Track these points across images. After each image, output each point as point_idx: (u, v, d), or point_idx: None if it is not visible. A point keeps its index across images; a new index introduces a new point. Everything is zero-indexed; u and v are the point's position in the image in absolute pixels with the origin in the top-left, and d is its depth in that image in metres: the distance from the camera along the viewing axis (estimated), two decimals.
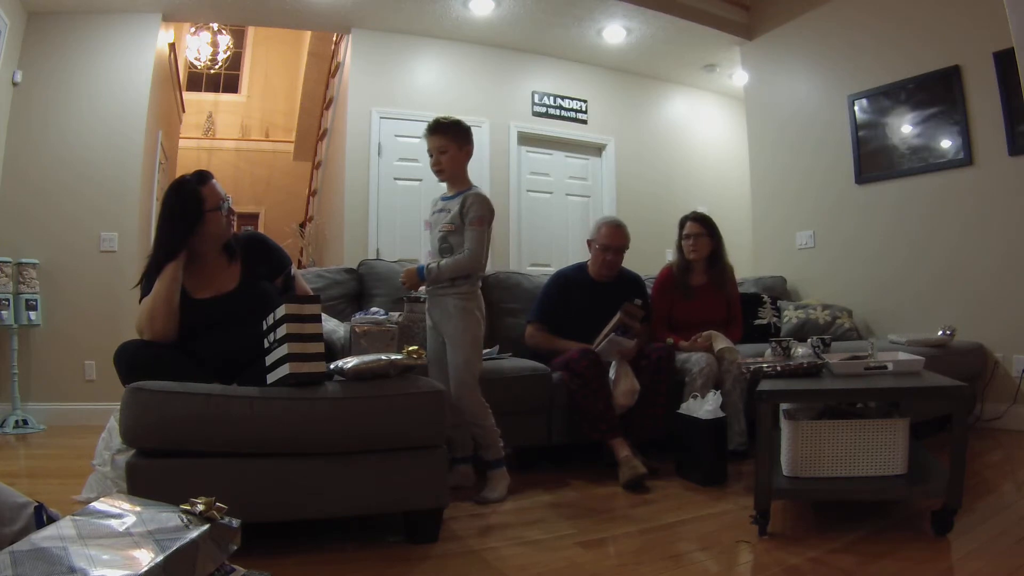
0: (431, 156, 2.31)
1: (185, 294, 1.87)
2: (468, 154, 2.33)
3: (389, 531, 1.84)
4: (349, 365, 1.73)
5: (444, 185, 2.39)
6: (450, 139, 2.27)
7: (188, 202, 1.86)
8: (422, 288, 2.42)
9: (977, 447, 2.85)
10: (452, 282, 2.26)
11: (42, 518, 1.18)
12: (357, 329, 2.09)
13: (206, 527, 0.99)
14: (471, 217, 2.23)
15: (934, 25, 3.67)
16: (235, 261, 1.98)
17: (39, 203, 3.88)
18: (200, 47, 7.82)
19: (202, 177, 1.92)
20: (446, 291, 2.28)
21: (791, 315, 3.78)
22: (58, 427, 3.61)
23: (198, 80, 8.58)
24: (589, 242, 2.95)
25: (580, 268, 3.00)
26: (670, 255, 3.30)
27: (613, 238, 2.88)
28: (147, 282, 1.87)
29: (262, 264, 2.03)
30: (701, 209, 3.47)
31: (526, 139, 5.14)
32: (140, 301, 1.88)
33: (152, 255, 1.89)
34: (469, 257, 2.22)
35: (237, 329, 1.86)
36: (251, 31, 8.75)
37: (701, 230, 3.04)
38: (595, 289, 2.90)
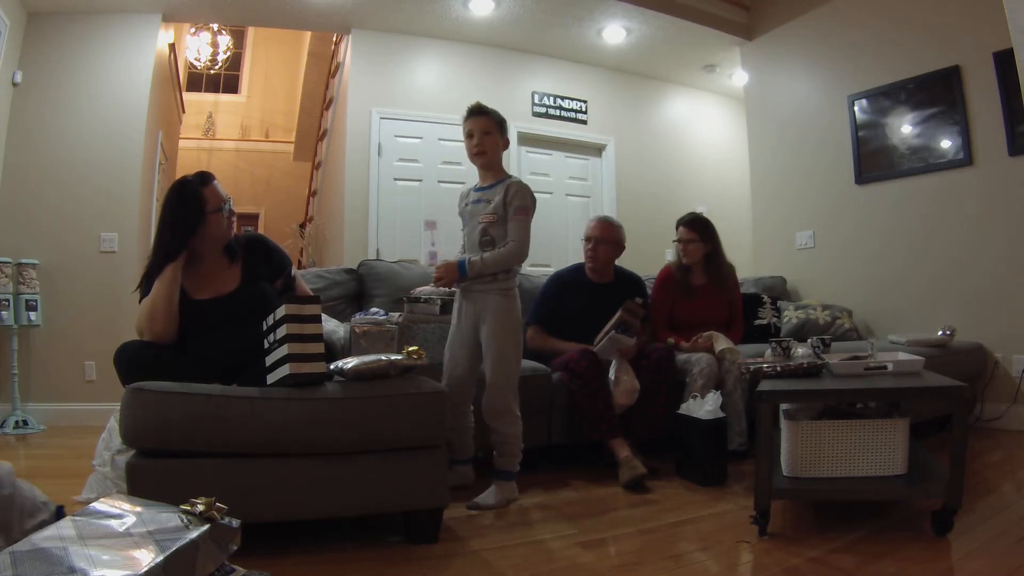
0: (471, 138, 2.23)
1: (185, 295, 1.87)
2: (506, 143, 2.28)
3: (389, 531, 1.84)
4: (349, 365, 1.73)
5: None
6: (494, 123, 2.24)
7: (190, 203, 1.86)
8: (424, 288, 2.40)
9: (977, 447, 2.85)
10: (494, 277, 2.18)
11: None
12: (357, 329, 2.09)
13: (206, 527, 0.99)
14: (516, 206, 2.16)
15: (934, 25, 3.67)
16: (236, 262, 1.98)
17: (39, 203, 3.88)
18: (200, 47, 7.82)
19: (204, 178, 1.91)
20: (487, 287, 2.18)
21: (791, 315, 3.78)
22: (58, 427, 3.61)
23: (198, 80, 8.58)
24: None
25: (577, 269, 3.00)
26: (670, 255, 3.30)
27: (594, 229, 2.90)
28: (147, 283, 1.87)
29: (263, 265, 2.03)
30: (700, 209, 3.47)
31: (526, 139, 5.14)
32: (140, 302, 1.89)
33: (152, 256, 1.89)
34: (514, 248, 2.15)
35: (237, 329, 1.86)
36: (251, 31, 8.75)
37: (692, 236, 3.02)
38: (593, 289, 2.90)
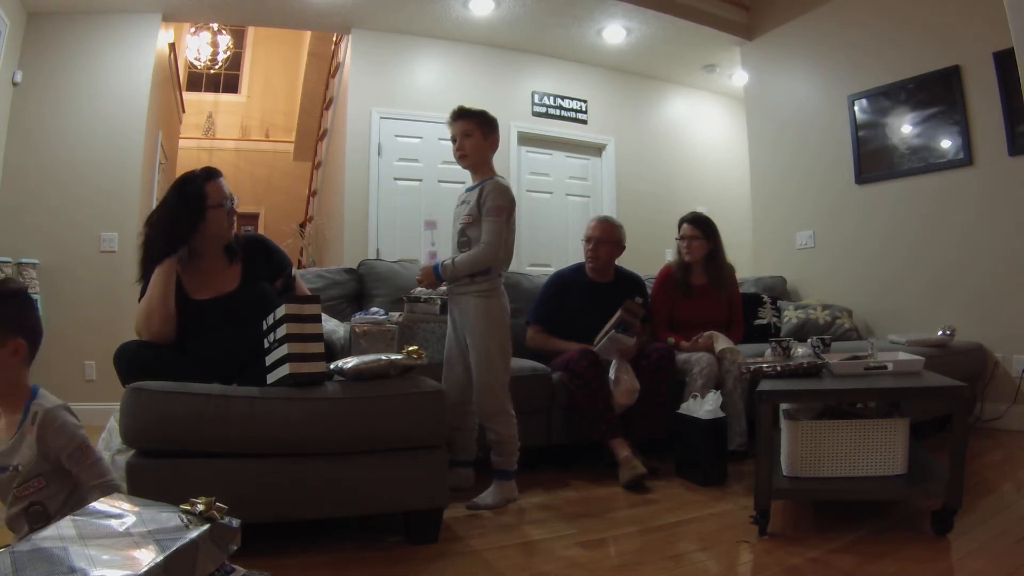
0: (454, 143, 2.25)
1: (185, 295, 1.87)
2: (493, 144, 2.26)
3: (389, 531, 1.84)
4: (349, 365, 1.73)
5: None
6: (475, 124, 2.22)
7: (192, 197, 1.86)
8: (423, 287, 2.40)
9: (977, 447, 2.85)
10: (472, 279, 2.17)
11: None
12: (357, 329, 2.09)
13: (206, 527, 0.99)
14: (488, 207, 2.15)
15: (934, 25, 3.67)
16: (236, 262, 1.98)
17: (39, 203, 3.88)
18: (200, 47, 7.83)
19: (209, 174, 1.92)
20: (466, 289, 2.19)
21: (791, 315, 3.78)
22: None
23: (198, 80, 8.59)
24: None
25: (578, 269, 3.00)
26: (670, 255, 3.30)
27: (594, 229, 2.91)
28: (146, 281, 1.87)
29: (263, 265, 2.03)
30: (701, 209, 3.47)
31: (526, 139, 5.15)
32: (139, 300, 1.88)
33: (146, 247, 1.87)
34: (484, 250, 2.13)
35: (237, 330, 1.86)
36: (251, 31, 8.75)
37: (695, 233, 3.03)
38: (593, 289, 2.90)
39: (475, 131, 2.22)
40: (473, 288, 2.19)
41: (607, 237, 2.89)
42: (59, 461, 1.31)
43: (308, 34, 7.24)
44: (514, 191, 5.31)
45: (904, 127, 3.83)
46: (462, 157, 2.25)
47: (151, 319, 1.81)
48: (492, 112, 2.30)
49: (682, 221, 3.10)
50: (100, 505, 1.04)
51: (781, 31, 4.61)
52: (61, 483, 1.32)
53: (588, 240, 2.92)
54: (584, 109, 5.34)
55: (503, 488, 2.16)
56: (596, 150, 5.48)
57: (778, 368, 2.00)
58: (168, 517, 1.00)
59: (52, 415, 1.31)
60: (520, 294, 3.14)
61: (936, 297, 3.63)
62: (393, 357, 1.80)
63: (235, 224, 1.97)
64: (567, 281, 2.95)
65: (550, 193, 5.27)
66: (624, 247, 2.96)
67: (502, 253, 2.18)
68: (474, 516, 2.03)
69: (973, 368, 3.32)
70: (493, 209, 2.15)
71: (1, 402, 1.33)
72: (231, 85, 9.09)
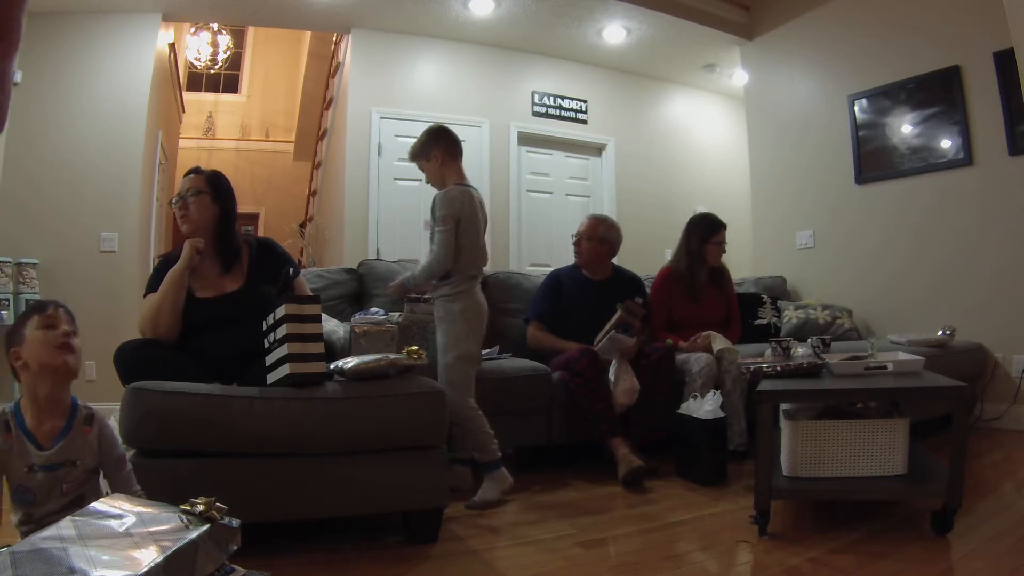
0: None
1: (189, 292, 1.88)
2: (438, 159, 2.34)
3: (389, 531, 1.84)
4: (349, 365, 1.74)
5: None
6: (418, 160, 2.38)
7: None
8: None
9: (977, 447, 2.85)
10: (435, 287, 2.32)
11: None
12: (357, 329, 2.09)
13: (206, 527, 1.00)
14: (437, 217, 2.28)
15: (934, 25, 3.67)
16: (236, 264, 1.97)
17: (39, 203, 3.88)
18: (200, 47, 7.82)
19: (189, 170, 2.00)
20: (435, 295, 2.34)
21: (791, 315, 3.78)
22: None
23: (198, 80, 8.58)
24: None
25: (574, 266, 3.03)
26: (670, 255, 3.29)
27: (580, 226, 2.99)
28: (156, 276, 1.89)
29: (270, 269, 2.01)
30: (701, 209, 3.47)
31: (526, 139, 5.14)
32: (144, 295, 1.89)
33: None
34: (431, 259, 2.26)
35: (238, 329, 1.86)
36: (251, 31, 8.75)
37: (726, 239, 3.07)
38: (590, 286, 2.92)
39: (421, 164, 2.38)
40: (438, 294, 2.33)
41: (589, 233, 2.94)
42: (104, 461, 1.35)
43: (308, 34, 7.24)
44: (514, 191, 5.28)
45: (904, 127, 3.83)
46: (431, 184, 2.40)
47: (159, 321, 1.81)
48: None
49: (717, 226, 3.06)
50: (100, 505, 1.04)
51: (781, 31, 4.61)
52: (95, 482, 1.35)
53: (578, 235, 2.99)
54: (584, 109, 5.34)
55: (495, 479, 2.17)
56: (596, 150, 5.48)
57: (778, 368, 2.00)
58: (168, 517, 1.00)
59: (104, 420, 1.36)
60: (520, 294, 3.14)
61: (936, 297, 3.63)
62: (393, 357, 1.80)
63: (189, 216, 1.94)
64: (563, 278, 2.98)
65: (550, 193, 5.27)
66: (612, 245, 2.95)
67: (451, 260, 2.25)
68: (474, 516, 2.03)
69: (973, 368, 3.32)
70: (440, 219, 2.27)
71: (55, 408, 1.34)
72: (231, 85, 9.09)
